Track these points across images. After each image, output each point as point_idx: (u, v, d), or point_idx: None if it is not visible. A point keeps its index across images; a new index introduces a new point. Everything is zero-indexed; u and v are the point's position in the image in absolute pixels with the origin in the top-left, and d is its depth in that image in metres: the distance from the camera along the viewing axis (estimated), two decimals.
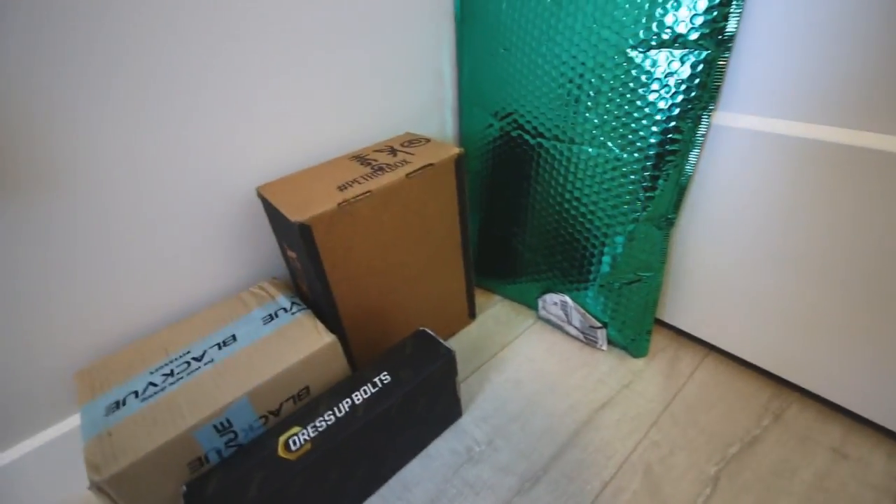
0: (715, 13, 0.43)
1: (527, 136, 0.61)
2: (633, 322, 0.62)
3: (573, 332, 0.69)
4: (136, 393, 0.46)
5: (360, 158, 0.59)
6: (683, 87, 0.47)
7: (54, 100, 0.42)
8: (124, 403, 0.45)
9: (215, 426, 0.44)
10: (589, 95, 0.53)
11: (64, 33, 0.41)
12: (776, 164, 0.46)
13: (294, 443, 0.45)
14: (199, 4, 0.46)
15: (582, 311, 0.65)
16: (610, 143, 0.53)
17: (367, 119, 0.64)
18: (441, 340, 0.54)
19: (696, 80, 0.46)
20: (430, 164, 0.55)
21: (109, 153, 0.47)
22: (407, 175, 0.53)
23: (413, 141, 0.63)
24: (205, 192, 0.54)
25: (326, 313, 0.54)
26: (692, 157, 0.51)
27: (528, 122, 0.60)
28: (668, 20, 0.45)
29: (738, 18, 0.43)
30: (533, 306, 0.74)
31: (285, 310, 0.54)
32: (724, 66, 0.46)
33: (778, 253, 0.50)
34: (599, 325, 0.64)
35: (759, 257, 0.52)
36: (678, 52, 0.46)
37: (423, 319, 0.66)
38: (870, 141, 0.40)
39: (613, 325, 0.64)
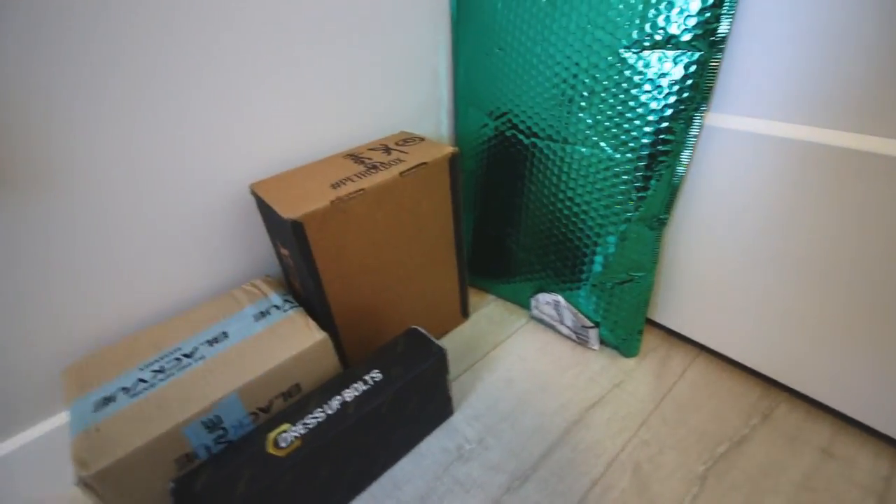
0: (707, 14, 0.44)
1: (521, 136, 0.61)
2: (625, 322, 0.63)
3: (565, 331, 0.69)
4: (125, 389, 0.46)
5: (354, 157, 0.59)
6: (676, 87, 0.47)
7: (50, 99, 0.42)
8: (113, 399, 0.45)
9: (204, 423, 0.44)
10: (582, 95, 0.53)
11: (61, 33, 0.41)
12: (768, 166, 0.47)
13: (284, 440, 0.45)
14: (193, 4, 0.46)
15: (574, 310, 0.65)
16: (603, 144, 0.53)
17: (362, 117, 0.64)
18: (433, 339, 0.54)
19: (689, 81, 0.47)
20: (424, 163, 0.55)
21: (101, 151, 0.46)
22: (401, 173, 0.53)
23: (407, 140, 0.63)
24: (198, 190, 0.54)
25: (319, 311, 0.54)
26: (684, 158, 0.51)
27: (523, 121, 0.60)
28: (661, 21, 0.46)
29: (730, 20, 0.44)
30: (526, 306, 0.74)
31: (277, 307, 0.54)
32: (716, 68, 0.46)
33: (769, 254, 0.51)
34: (591, 324, 0.65)
35: (751, 258, 0.52)
36: (671, 53, 0.46)
37: (416, 318, 0.66)
38: (861, 143, 0.41)
39: (605, 324, 0.64)
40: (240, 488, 0.41)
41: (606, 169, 0.54)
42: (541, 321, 0.74)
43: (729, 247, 0.54)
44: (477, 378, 0.66)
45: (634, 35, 0.47)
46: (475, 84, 0.65)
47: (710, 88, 0.47)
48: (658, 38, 0.46)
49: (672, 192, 0.53)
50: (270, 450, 0.44)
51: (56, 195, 0.45)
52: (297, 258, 0.50)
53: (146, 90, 0.47)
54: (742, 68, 0.46)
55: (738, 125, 0.47)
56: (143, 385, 0.46)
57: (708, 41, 0.45)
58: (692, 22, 0.44)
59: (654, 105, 0.48)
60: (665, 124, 0.49)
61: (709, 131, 0.49)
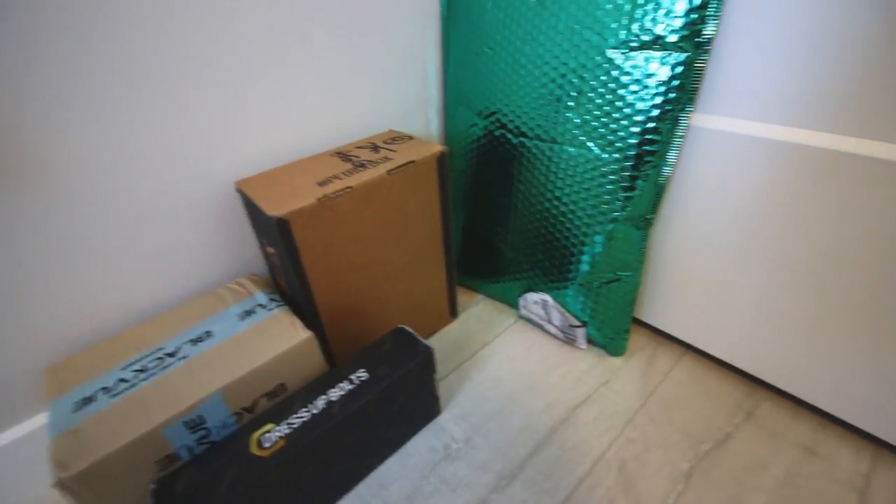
0: (693, 16, 0.44)
1: (510, 136, 0.61)
2: (612, 321, 0.63)
3: (553, 330, 0.70)
4: (105, 389, 0.45)
5: (341, 154, 0.58)
6: (662, 88, 0.47)
7: (39, 97, 0.41)
8: (93, 400, 0.44)
9: (186, 423, 0.43)
10: (570, 95, 0.53)
11: (57, 34, 0.40)
12: (753, 167, 0.47)
13: (268, 440, 0.44)
14: (184, 3, 0.46)
15: (562, 309, 0.66)
16: (590, 143, 0.53)
17: (350, 115, 0.64)
18: (420, 338, 0.54)
19: (675, 82, 0.47)
20: (412, 162, 0.55)
21: (84, 149, 0.45)
22: (388, 172, 0.53)
23: (396, 138, 0.62)
24: (183, 187, 0.53)
25: (305, 310, 0.54)
26: (670, 158, 0.51)
27: (511, 121, 0.60)
28: (648, 22, 0.46)
29: (716, 22, 0.44)
30: (514, 305, 0.74)
31: (262, 306, 0.53)
32: (701, 69, 0.46)
33: (755, 255, 0.51)
34: (579, 323, 0.65)
35: (737, 259, 0.53)
36: (658, 54, 0.46)
37: (403, 317, 0.66)
38: (844, 145, 0.41)
39: (592, 323, 0.64)
40: (222, 489, 0.41)
41: (594, 169, 0.54)
42: (529, 320, 0.74)
43: (715, 247, 0.54)
44: (465, 377, 0.65)
45: (622, 35, 0.48)
46: (465, 83, 0.65)
47: (696, 89, 0.48)
48: (645, 38, 0.47)
49: (658, 192, 0.54)
50: (254, 450, 0.44)
51: (37, 193, 0.44)
52: (283, 256, 0.50)
53: (131, 89, 0.46)
54: (727, 70, 0.46)
55: (723, 126, 0.48)
56: (123, 385, 0.45)
57: (694, 42, 0.45)
58: (678, 23, 0.44)
59: (640, 105, 0.49)
60: (651, 125, 0.49)
61: (695, 132, 0.50)
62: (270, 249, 0.54)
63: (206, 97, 0.51)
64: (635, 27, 0.46)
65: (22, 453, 0.52)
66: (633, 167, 0.52)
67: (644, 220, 0.55)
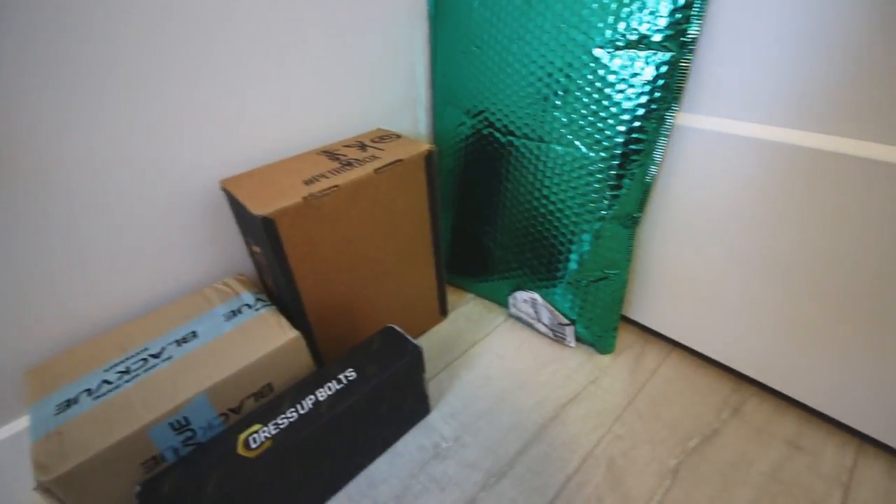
0: (678, 16, 0.44)
1: (497, 134, 0.61)
2: (601, 319, 0.63)
3: (543, 329, 0.70)
4: (88, 391, 0.44)
5: (328, 153, 0.58)
6: (648, 87, 0.48)
7: (16, 93, 0.41)
8: (76, 402, 0.43)
9: (171, 424, 0.43)
10: (557, 94, 0.53)
11: (31, 31, 0.40)
12: (738, 166, 0.48)
13: (254, 440, 0.44)
14: (170, 3, 0.45)
15: (551, 308, 0.66)
16: (577, 142, 0.54)
17: (337, 114, 0.64)
18: (408, 337, 0.54)
19: (660, 82, 0.47)
20: (400, 160, 0.54)
21: (67, 147, 0.45)
22: (375, 170, 0.53)
23: (384, 137, 0.62)
24: (167, 187, 0.53)
25: (292, 309, 0.53)
26: (657, 157, 0.52)
27: (499, 119, 0.60)
28: (634, 21, 0.46)
29: (699, 22, 0.44)
30: (504, 304, 0.75)
31: (249, 306, 0.53)
32: (686, 68, 0.47)
33: (740, 253, 0.52)
34: (568, 322, 0.65)
35: (723, 257, 0.53)
36: (643, 54, 0.47)
37: (393, 316, 0.66)
38: (829, 144, 0.42)
39: (581, 321, 0.64)
40: (208, 490, 0.40)
41: (581, 167, 0.54)
42: (518, 319, 0.74)
43: (702, 245, 0.55)
44: (455, 376, 0.65)
45: (608, 35, 0.48)
46: (452, 82, 0.65)
47: (681, 89, 0.48)
48: (631, 38, 0.47)
49: (645, 190, 0.54)
50: (241, 451, 0.43)
51: (20, 192, 0.44)
52: (269, 256, 0.49)
53: (114, 87, 0.45)
54: (712, 70, 0.46)
55: (708, 125, 0.48)
56: (107, 387, 0.44)
57: (678, 42, 0.45)
58: (663, 23, 0.45)
59: (626, 104, 0.49)
60: (637, 123, 0.49)
61: (680, 131, 0.50)
62: (256, 249, 0.54)
63: (190, 95, 0.50)
64: (621, 26, 0.47)
65: (3, 458, 0.51)
66: (620, 166, 0.52)
67: (631, 219, 0.56)
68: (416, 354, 0.53)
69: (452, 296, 0.81)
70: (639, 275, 0.63)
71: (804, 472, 0.51)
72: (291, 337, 0.49)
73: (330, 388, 0.48)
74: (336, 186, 0.50)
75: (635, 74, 0.47)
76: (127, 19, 0.44)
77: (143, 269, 0.54)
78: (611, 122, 0.50)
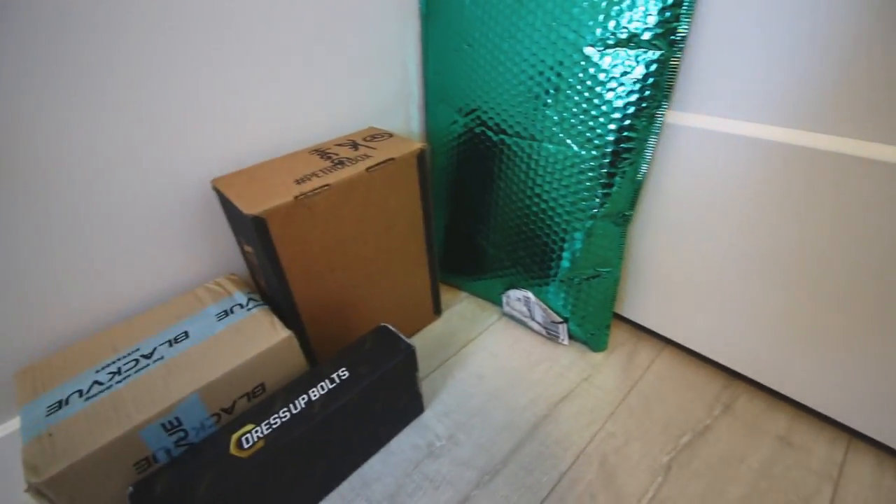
0: (667, 14, 0.44)
1: (489, 133, 0.61)
2: (593, 317, 0.63)
3: (536, 327, 0.70)
4: (80, 392, 0.44)
5: (320, 152, 0.58)
6: (638, 85, 0.48)
7: (14, 92, 0.41)
8: (67, 403, 0.43)
9: (163, 425, 0.43)
10: (549, 93, 0.53)
11: (27, 30, 0.39)
12: (728, 164, 0.48)
13: (247, 440, 0.44)
14: (159, 2, 0.45)
15: (544, 306, 0.66)
16: (569, 140, 0.54)
17: (329, 112, 0.64)
18: (401, 336, 0.54)
19: (650, 80, 0.47)
20: (392, 159, 0.54)
21: (56, 147, 0.45)
22: (367, 169, 0.53)
23: (376, 135, 0.62)
24: (158, 186, 0.52)
25: (284, 309, 0.53)
26: (647, 155, 0.52)
27: (491, 118, 0.60)
28: (624, 20, 0.46)
29: (689, 20, 0.44)
30: (497, 302, 0.75)
31: (241, 306, 0.53)
32: (676, 66, 0.47)
33: (731, 251, 0.52)
34: (561, 320, 0.65)
35: (713, 254, 0.54)
36: (633, 52, 0.47)
37: (386, 315, 0.66)
38: (818, 142, 0.42)
39: (574, 319, 0.65)
40: (201, 491, 0.40)
41: (572, 166, 0.54)
42: (512, 317, 0.74)
43: (692, 243, 0.55)
44: (448, 375, 0.66)
45: (598, 33, 0.48)
46: (445, 80, 0.65)
47: (671, 87, 0.48)
48: (621, 36, 0.47)
49: (636, 188, 0.54)
50: (233, 451, 0.43)
51: (10, 193, 0.43)
52: (261, 255, 0.49)
53: (105, 84, 0.45)
54: (702, 68, 0.47)
55: (698, 123, 0.48)
56: (98, 387, 0.44)
57: (668, 40, 0.45)
58: (653, 21, 0.45)
59: (617, 103, 0.49)
60: (628, 122, 0.49)
61: (671, 129, 0.50)
62: (248, 248, 0.54)
63: (181, 94, 0.50)
64: (611, 25, 0.47)
65: None
66: (611, 164, 0.52)
67: (622, 217, 0.56)
68: (409, 353, 0.53)
69: (446, 294, 0.81)
70: (631, 273, 0.63)
71: (795, 468, 0.51)
72: (284, 337, 0.49)
73: (323, 388, 0.48)
74: (327, 185, 0.50)
75: (625, 73, 0.48)
76: (123, 21, 0.44)
77: (134, 270, 0.54)
78: (602, 120, 0.50)
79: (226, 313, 0.52)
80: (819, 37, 0.39)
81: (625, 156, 0.51)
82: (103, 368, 0.46)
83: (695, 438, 0.55)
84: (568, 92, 0.52)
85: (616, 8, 0.46)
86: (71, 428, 0.41)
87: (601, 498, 0.50)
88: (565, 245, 0.59)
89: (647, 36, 0.45)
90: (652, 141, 0.51)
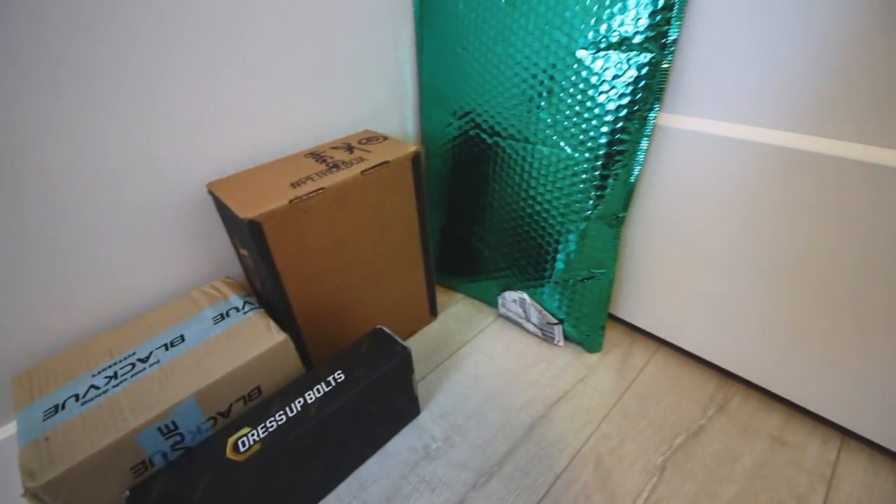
0: (658, 18, 0.45)
1: (484, 135, 0.62)
2: (588, 318, 0.64)
3: (531, 328, 0.70)
4: (76, 396, 0.44)
5: (315, 155, 0.58)
6: (630, 88, 0.48)
7: (8, 96, 0.41)
8: (63, 407, 0.43)
9: (160, 429, 0.43)
10: (542, 95, 0.54)
11: (17, 33, 0.40)
12: (719, 166, 0.48)
13: (243, 444, 0.44)
14: (154, 5, 0.45)
15: (539, 307, 0.66)
16: (562, 143, 0.54)
17: (324, 115, 0.64)
18: (397, 338, 0.54)
19: (642, 83, 0.48)
20: (386, 162, 0.55)
21: (52, 151, 0.45)
22: (362, 172, 0.53)
23: (371, 138, 0.62)
24: (154, 190, 0.53)
25: (280, 312, 0.54)
26: (640, 157, 0.52)
27: (485, 121, 0.61)
28: (615, 23, 0.46)
29: (679, 24, 0.45)
30: (493, 304, 0.75)
31: (237, 309, 0.53)
32: (667, 69, 0.47)
33: (723, 251, 0.52)
34: (556, 321, 0.66)
35: (706, 255, 0.54)
36: (625, 55, 0.47)
37: (382, 318, 0.66)
38: (808, 144, 0.42)
39: (569, 321, 0.65)
40: (197, 495, 0.41)
41: (566, 168, 0.55)
42: (508, 319, 0.74)
43: (686, 244, 0.55)
44: (445, 377, 0.66)
45: (590, 36, 0.48)
46: (439, 83, 0.65)
47: (663, 90, 0.48)
48: (613, 39, 0.47)
49: (629, 190, 0.54)
50: (229, 454, 0.43)
51: (4, 196, 0.44)
52: (256, 258, 0.50)
53: (99, 90, 0.45)
54: (693, 71, 0.47)
55: (690, 125, 0.49)
56: (95, 392, 0.44)
57: (659, 44, 0.46)
58: (643, 24, 0.45)
59: (609, 105, 0.49)
60: (620, 124, 0.50)
61: (663, 131, 0.51)
62: (244, 251, 0.54)
63: (176, 97, 0.50)
64: (602, 28, 0.47)
65: None
66: (604, 166, 0.52)
67: (616, 219, 0.56)
68: (405, 356, 0.53)
69: (443, 296, 0.81)
70: (626, 274, 0.64)
71: (788, 467, 0.52)
72: (280, 340, 0.49)
73: (319, 391, 0.49)
74: (322, 189, 0.50)
75: (617, 76, 0.48)
76: (121, 26, 0.44)
77: (130, 273, 0.54)
78: (594, 122, 0.51)
79: (222, 317, 0.52)
80: (808, 40, 0.39)
81: (617, 158, 0.52)
82: (100, 372, 0.46)
83: (689, 438, 0.55)
84: (561, 95, 0.52)
85: (607, 12, 0.46)
86: (68, 432, 0.41)
87: (596, 499, 0.50)
88: (559, 247, 0.60)
89: (638, 39, 0.46)
90: (644, 143, 0.51)
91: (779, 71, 0.42)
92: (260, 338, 0.49)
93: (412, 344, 0.72)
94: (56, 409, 0.43)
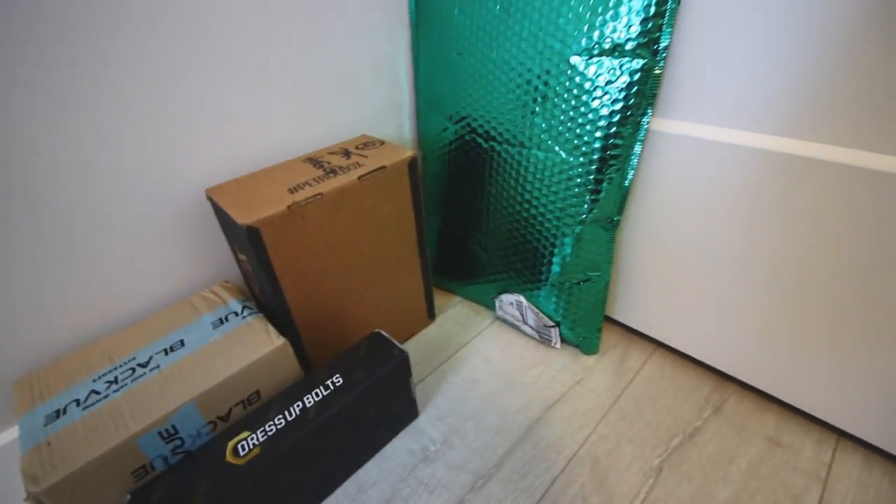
0: (649, 24, 0.45)
1: (479, 140, 0.62)
2: (584, 320, 0.64)
3: (528, 331, 0.71)
4: (77, 401, 0.45)
5: (313, 161, 0.59)
6: (622, 94, 0.49)
7: (7, 99, 0.41)
8: (65, 412, 0.44)
9: (160, 433, 0.43)
10: (536, 101, 0.54)
11: (18, 35, 0.40)
12: (712, 169, 0.49)
13: (243, 447, 0.44)
14: (148, 8, 0.46)
15: (536, 310, 0.67)
16: (557, 147, 0.55)
17: (322, 121, 0.64)
18: (395, 342, 0.55)
19: (635, 88, 0.48)
20: (383, 167, 0.55)
21: (52, 157, 0.45)
22: (359, 178, 0.53)
23: (368, 143, 0.63)
24: (154, 195, 0.53)
25: (279, 316, 0.54)
26: (633, 161, 0.53)
27: (481, 125, 0.61)
28: (608, 30, 0.47)
29: (670, 30, 0.45)
30: (491, 306, 0.75)
31: (236, 314, 0.53)
32: (659, 75, 0.48)
33: (717, 254, 0.53)
34: (552, 323, 0.66)
35: (700, 257, 0.55)
36: (617, 61, 0.48)
37: (380, 321, 0.67)
38: (800, 149, 0.43)
39: (565, 323, 0.65)
40: (198, 498, 0.41)
41: (561, 172, 0.55)
42: (505, 321, 0.75)
43: (680, 247, 0.56)
44: (443, 379, 0.66)
45: (583, 43, 0.49)
46: (435, 88, 0.66)
47: (655, 95, 0.49)
48: (605, 46, 0.48)
49: (623, 194, 0.55)
50: (229, 458, 0.44)
51: (6, 202, 0.44)
52: (255, 264, 0.50)
53: (99, 96, 0.46)
54: (684, 77, 0.47)
55: (682, 130, 0.49)
56: (95, 397, 0.45)
57: (651, 50, 0.46)
58: (635, 31, 0.46)
59: (603, 111, 0.50)
60: (614, 129, 0.50)
61: (656, 136, 0.51)
62: (242, 257, 0.54)
63: (175, 104, 0.51)
64: (595, 35, 0.48)
65: None
66: (599, 170, 0.53)
67: (610, 222, 0.57)
68: (403, 359, 0.54)
69: (441, 298, 0.82)
70: (622, 276, 0.64)
71: (783, 468, 0.52)
72: (278, 344, 0.49)
73: (317, 395, 0.49)
74: (320, 194, 0.50)
75: (610, 81, 0.49)
76: (120, 30, 0.45)
77: (129, 279, 0.55)
78: (588, 127, 0.51)
79: (221, 321, 0.52)
80: (798, 45, 0.40)
81: (611, 162, 0.52)
82: (100, 377, 0.47)
83: (685, 440, 0.56)
84: (555, 100, 0.53)
85: (600, 19, 0.47)
86: (69, 437, 0.41)
87: (593, 500, 0.51)
88: (555, 250, 0.60)
89: (630, 46, 0.46)
90: (638, 148, 0.52)
91: (769, 77, 0.42)
92: (259, 342, 0.50)
93: (410, 347, 0.72)
94: (57, 413, 0.44)
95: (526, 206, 0.60)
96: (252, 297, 0.65)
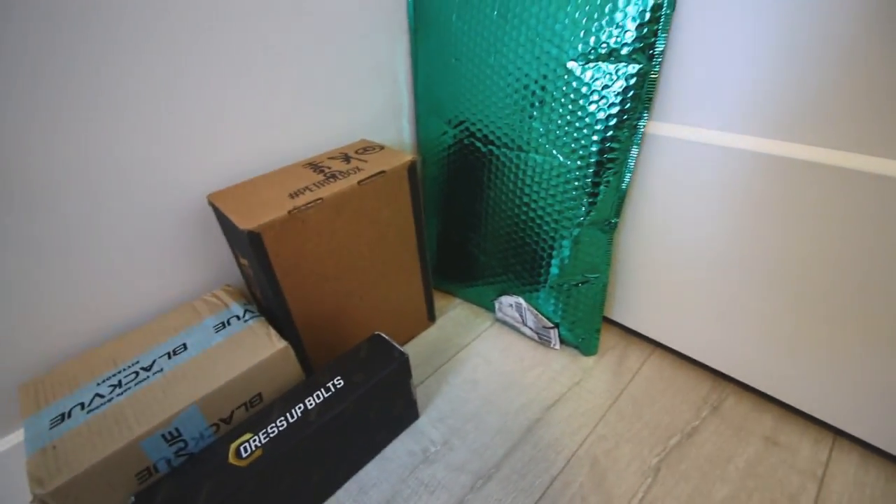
0: (645, 30, 0.46)
1: (478, 144, 0.63)
2: (583, 322, 0.65)
3: (528, 332, 0.71)
4: (81, 405, 0.45)
5: (313, 166, 0.59)
6: (619, 98, 0.49)
7: (7, 102, 0.42)
8: (69, 415, 0.44)
9: (164, 436, 0.44)
10: (534, 105, 0.55)
11: (20, 39, 0.41)
12: (708, 172, 0.49)
13: (245, 449, 0.45)
14: (148, 11, 0.46)
15: (535, 312, 0.67)
16: (555, 151, 0.55)
17: (322, 126, 0.65)
18: (395, 344, 0.56)
19: (631, 92, 0.49)
20: (383, 172, 0.56)
21: (56, 163, 0.46)
22: (359, 182, 0.54)
23: (367, 148, 0.63)
24: (156, 201, 0.54)
25: (280, 320, 0.55)
26: (630, 165, 0.53)
27: (479, 129, 0.62)
28: (604, 35, 0.48)
29: (666, 35, 0.46)
30: (490, 308, 0.76)
31: (238, 317, 0.54)
32: (655, 79, 0.48)
33: (714, 255, 0.53)
34: (552, 325, 0.67)
35: (697, 259, 0.55)
36: (613, 66, 0.48)
37: (381, 324, 0.67)
38: (794, 151, 0.43)
39: (564, 324, 0.66)
40: (201, 500, 0.42)
41: (559, 175, 0.56)
42: (505, 323, 0.75)
43: (677, 248, 0.56)
44: (443, 380, 0.67)
45: (580, 48, 0.49)
46: (434, 92, 0.67)
47: (651, 99, 0.50)
48: (602, 51, 0.48)
49: (621, 196, 0.56)
50: (232, 460, 0.44)
51: (8, 207, 0.45)
52: (256, 268, 0.51)
53: (101, 99, 0.47)
54: (680, 81, 0.48)
55: (679, 134, 0.50)
56: (100, 400, 0.45)
57: (646, 55, 0.47)
58: (631, 37, 0.46)
59: (600, 115, 0.51)
60: (611, 133, 0.51)
61: (652, 139, 0.52)
62: (244, 261, 0.55)
63: (175, 110, 0.52)
64: (592, 40, 0.48)
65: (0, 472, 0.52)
66: (596, 174, 0.53)
67: (608, 224, 0.57)
68: (403, 361, 0.54)
69: (441, 301, 0.82)
70: (620, 278, 0.65)
71: (780, 468, 0.53)
72: (280, 347, 0.50)
73: (318, 397, 0.50)
74: (320, 199, 0.51)
75: (607, 86, 0.49)
76: (121, 35, 0.45)
77: (133, 283, 0.56)
78: (585, 131, 0.52)
79: (223, 325, 0.53)
80: (792, 49, 0.40)
81: (608, 165, 0.53)
82: (104, 381, 0.47)
83: (683, 440, 0.56)
84: (553, 104, 0.53)
85: (596, 24, 0.48)
86: (74, 440, 0.42)
87: (592, 500, 0.51)
88: (554, 252, 0.61)
89: (626, 51, 0.47)
90: (634, 151, 0.52)
91: (764, 80, 0.43)
92: (260, 345, 0.50)
93: (411, 348, 0.73)
94: (62, 417, 0.44)
95: (524, 209, 0.61)
96: (253, 301, 0.65)
